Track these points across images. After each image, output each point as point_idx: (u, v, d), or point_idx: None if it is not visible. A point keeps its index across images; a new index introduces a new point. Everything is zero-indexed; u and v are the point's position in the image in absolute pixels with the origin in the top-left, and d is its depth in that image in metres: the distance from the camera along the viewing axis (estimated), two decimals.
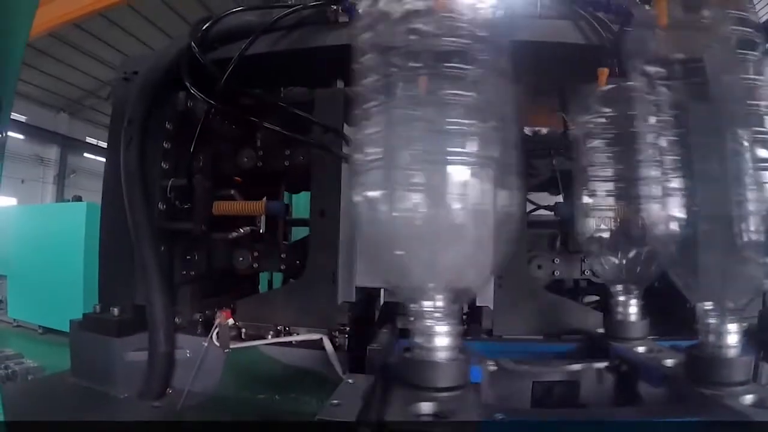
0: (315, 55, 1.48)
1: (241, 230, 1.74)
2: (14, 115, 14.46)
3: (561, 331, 1.28)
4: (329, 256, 1.43)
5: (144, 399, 1.34)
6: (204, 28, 1.47)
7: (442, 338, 0.74)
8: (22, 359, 4.47)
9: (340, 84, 1.58)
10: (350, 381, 0.84)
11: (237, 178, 1.86)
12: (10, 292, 6.77)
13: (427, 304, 0.76)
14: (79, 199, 7.75)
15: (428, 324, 0.75)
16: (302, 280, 1.47)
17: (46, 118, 16.26)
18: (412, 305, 0.77)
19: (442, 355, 0.73)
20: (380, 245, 0.79)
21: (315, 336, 1.38)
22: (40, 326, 6.09)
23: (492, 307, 1.35)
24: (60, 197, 15.79)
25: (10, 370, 4.23)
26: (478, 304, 1.36)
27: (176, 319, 1.54)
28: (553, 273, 1.47)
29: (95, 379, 1.40)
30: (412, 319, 0.77)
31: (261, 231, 2.16)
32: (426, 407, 0.67)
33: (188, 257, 1.64)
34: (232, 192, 1.76)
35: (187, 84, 1.31)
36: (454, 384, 0.72)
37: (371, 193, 0.78)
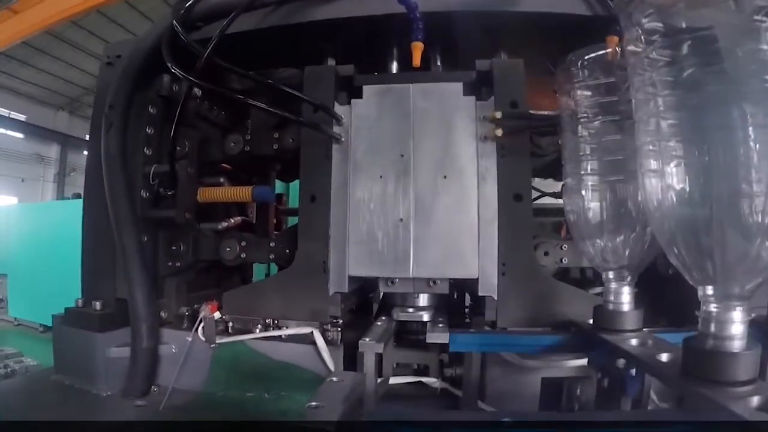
0: (305, 32, 1.41)
1: (232, 220, 1.68)
2: (14, 114, 14.53)
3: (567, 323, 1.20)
4: (320, 244, 1.36)
5: (127, 397, 1.28)
6: (187, 6, 1.40)
7: (738, 326, 0.66)
8: (21, 357, 4.47)
9: (330, 62, 1.51)
10: (334, 380, 0.76)
11: (226, 165, 1.79)
12: (11, 291, 6.79)
13: (715, 290, 0.68)
14: (79, 196, 7.77)
15: (724, 310, 0.67)
16: (291, 269, 1.40)
17: (45, 116, 16.29)
18: (701, 291, 0.70)
19: (740, 345, 0.66)
20: (677, 225, 0.70)
21: (305, 330, 1.32)
22: (40, 325, 6.11)
23: (496, 297, 1.28)
24: (60, 195, 15.85)
25: (9, 369, 4.23)
26: (481, 294, 1.28)
27: (162, 313, 1.48)
28: (561, 260, 1.39)
29: (78, 376, 1.35)
30: (706, 308, 0.69)
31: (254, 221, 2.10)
32: (755, 402, 0.61)
33: (174, 248, 1.58)
34: (222, 180, 1.70)
35: (168, 63, 1.24)
36: (753, 376, 0.65)
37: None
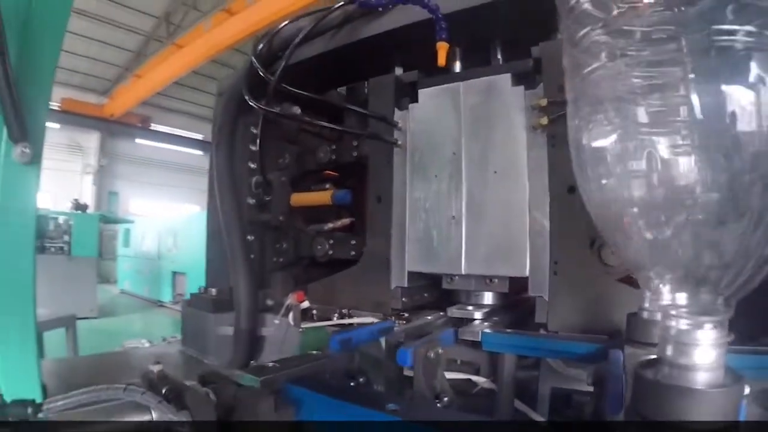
0: (366, 46, 1.62)
1: (339, 222, 1.98)
2: (193, 134, 17.91)
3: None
4: (383, 241, 1.57)
5: (230, 368, 1.67)
6: (264, 43, 1.74)
7: (705, 351, 0.52)
8: None
9: (398, 70, 1.70)
10: (315, 352, 0.97)
11: (331, 172, 2.12)
12: (189, 288, 8.58)
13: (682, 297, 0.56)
14: None
15: (691, 327, 0.53)
16: (361, 265, 1.64)
17: None
18: (661, 299, 0.58)
19: (706, 378, 0.52)
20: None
21: (368, 320, 1.53)
22: None
23: (547, 298, 1.31)
24: None
25: None
26: (531, 294, 1.33)
27: (268, 301, 1.87)
28: None
29: (196, 347, 1.80)
30: (664, 323, 0.55)
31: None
32: None
33: (278, 246, 1.96)
34: (327, 186, 2.03)
35: (246, 95, 1.59)
36: (721, 426, 0.51)
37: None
